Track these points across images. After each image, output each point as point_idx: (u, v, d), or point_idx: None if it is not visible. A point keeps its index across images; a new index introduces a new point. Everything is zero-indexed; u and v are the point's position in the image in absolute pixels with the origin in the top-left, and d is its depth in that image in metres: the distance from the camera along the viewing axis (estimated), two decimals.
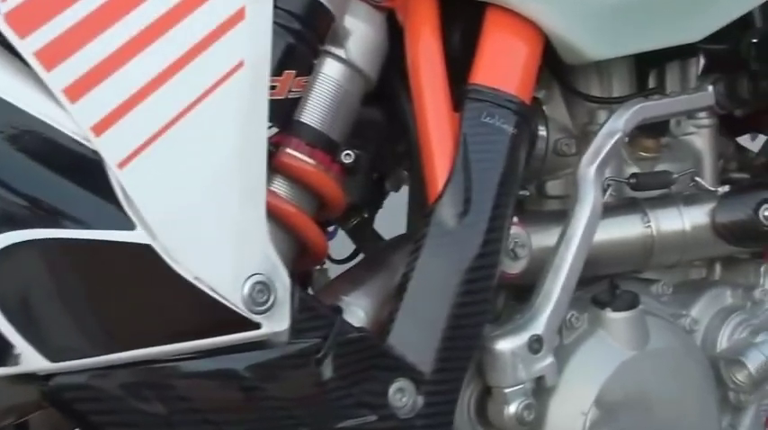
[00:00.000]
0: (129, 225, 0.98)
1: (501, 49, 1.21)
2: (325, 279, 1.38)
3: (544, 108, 1.37)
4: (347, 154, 1.19)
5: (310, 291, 1.34)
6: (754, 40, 1.40)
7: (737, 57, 1.42)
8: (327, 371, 1.07)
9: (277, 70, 1.10)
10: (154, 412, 1.00)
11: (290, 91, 1.12)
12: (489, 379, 1.19)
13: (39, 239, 0.95)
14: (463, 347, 1.15)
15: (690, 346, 1.35)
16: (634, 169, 1.38)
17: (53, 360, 0.95)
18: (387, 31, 1.23)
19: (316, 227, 1.17)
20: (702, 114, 1.44)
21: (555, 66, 1.33)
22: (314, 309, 1.08)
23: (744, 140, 1.62)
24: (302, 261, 1.19)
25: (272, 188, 1.13)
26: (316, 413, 1.07)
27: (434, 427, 1.13)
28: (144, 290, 0.99)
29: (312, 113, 1.16)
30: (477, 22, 1.22)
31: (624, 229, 1.33)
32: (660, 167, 1.40)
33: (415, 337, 1.13)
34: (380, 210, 1.50)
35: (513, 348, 1.18)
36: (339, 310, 1.13)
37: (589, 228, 1.21)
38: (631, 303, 1.26)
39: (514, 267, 1.22)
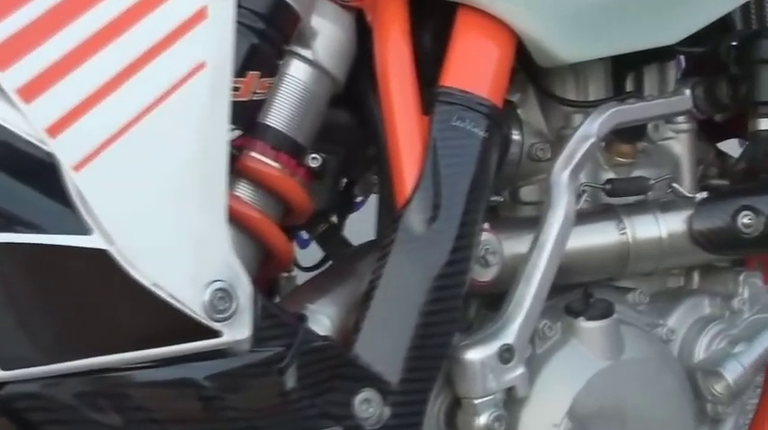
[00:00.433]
0: (84, 229, 0.98)
1: (472, 51, 1.22)
2: (292, 287, 1.38)
3: (518, 112, 1.38)
4: (314, 158, 1.19)
5: (278, 300, 1.34)
6: (734, 43, 1.42)
7: (717, 60, 1.43)
8: (290, 380, 1.07)
9: (240, 71, 1.11)
10: (109, 423, 1.00)
11: (253, 93, 1.13)
12: (459, 389, 1.19)
13: None
14: (432, 357, 1.16)
15: (666, 357, 1.36)
16: (610, 175, 1.39)
17: (5, 368, 0.96)
18: (355, 31, 1.24)
19: (281, 233, 1.17)
20: (681, 119, 1.45)
21: (530, 68, 1.34)
22: (277, 317, 1.08)
23: (731, 146, 1.62)
24: (267, 268, 1.19)
25: (235, 193, 1.14)
26: (278, 424, 1.08)
27: None
28: (100, 296, 0.99)
29: (277, 116, 1.17)
30: (448, 23, 1.23)
31: (599, 236, 1.34)
32: (637, 173, 1.40)
33: (382, 346, 1.14)
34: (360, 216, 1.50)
35: (482, 358, 1.18)
36: (303, 318, 1.14)
37: (562, 234, 1.22)
38: (606, 312, 1.27)
39: (485, 274, 1.23)
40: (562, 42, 1.25)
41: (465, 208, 1.17)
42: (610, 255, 1.34)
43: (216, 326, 1.03)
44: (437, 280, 1.15)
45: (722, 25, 1.47)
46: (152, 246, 1.01)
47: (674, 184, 1.40)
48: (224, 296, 1.03)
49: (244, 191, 1.15)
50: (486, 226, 1.22)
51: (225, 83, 1.06)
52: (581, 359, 1.26)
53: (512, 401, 1.21)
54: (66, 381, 0.98)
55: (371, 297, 1.14)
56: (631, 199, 1.38)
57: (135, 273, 0.99)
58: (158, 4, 1.03)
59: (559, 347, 1.26)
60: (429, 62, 1.23)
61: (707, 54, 1.44)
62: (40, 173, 0.98)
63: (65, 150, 0.98)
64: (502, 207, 1.40)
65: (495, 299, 1.25)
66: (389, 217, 1.18)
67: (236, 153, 1.12)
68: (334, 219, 1.46)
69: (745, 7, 1.49)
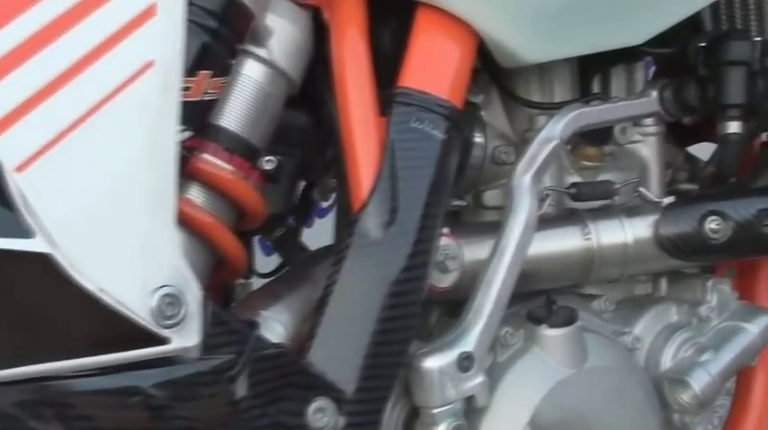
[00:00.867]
0: (27, 232, 0.99)
1: (432, 51, 1.23)
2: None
3: (482, 113, 1.39)
4: (268, 160, 1.20)
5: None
6: (702, 44, 1.43)
7: (686, 61, 1.44)
8: (241, 389, 1.08)
9: (191, 70, 1.11)
10: None
11: (205, 92, 1.13)
12: (416, 398, 1.20)
13: None
14: (388, 365, 1.17)
15: (631, 365, 1.37)
16: (576, 178, 1.40)
17: None
18: (312, 30, 1.25)
19: (233, 237, 1.18)
20: (649, 122, 1.46)
21: (493, 69, 1.35)
22: (227, 324, 1.09)
23: (704, 150, 1.63)
24: (221, 274, 1.20)
25: (187, 196, 1.14)
26: None
27: None
28: (43, 302, 1.00)
29: (230, 117, 1.17)
30: (407, 22, 1.24)
31: (563, 242, 1.35)
32: (604, 177, 1.41)
33: (337, 354, 1.15)
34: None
35: (441, 366, 1.19)
36: (255, 325, 1.14)
37: (523, 239, 1.23)
38: (569, 319, 1.28)
39: (444, 280, 1.24)
40: (524, 42, 1.26)
41: (423, 212, 1.18)
42: (574, 260, 1.35)
43: (164, 332, 1.04)
44: (394, 285, 1.16)
45: (692, 26, 1.49)
46: (97, 250, 1.01)
47: (641, 188, 1.41)
48: (172, 302, 1.04)
49: (195, 194, 1.16)
50: (445, 230, 1.23)
51: (174, 82, 1.07)
52: (543, 367, 1.27)
53: (471, 411, 1.22)
54: (6, 389, 0.98)
55: (326, 303, 1.15)
56: (597, 203, 1.39)
57: (79, 278, 1.00)
58: (105, 1, 1.04)
59: (521, 355, 1.27)
60: (388, 62, 1.23)
61: (675, 55, 1.45)
62: None
63: (6, 151, 0.99)
64: (465, 212, 1.41)
65: (457, 306, 1.26)
66: (346, 221, 1.19)
67: (187, 154, 1.13)
68: (293, 223, 1.47)
69: (714, 8, 1.50)
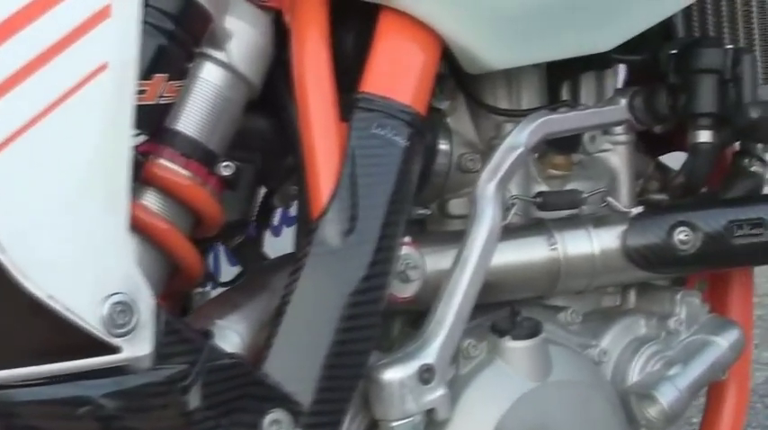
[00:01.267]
0: None
1: (394, 56, 1.24)
2: None
3: (448, 120, 1.40)
4: (226, 165, 1.21)
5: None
6: (673, 51, 1.44)
7: (657, 69, 1.46)
8: (194, 399, 1.09)
9: (146, 73, 1.12)
10: None
11: (160, 96, 1.14)
12: (376, 411, 1.21)
13: None
14: (346, 376, 1.18)
15: (598, 379, 1.38)
16: (543, 187, 1.42)
17: None
18: (272, 33, 1.26)
19: (189, 245, 1.19)
20: (618, 130, 1.48)
21: (460, 75, 1.37)
22: (181, 333, 1.10)
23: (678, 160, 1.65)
24: (176, 282, 1.21)
25: (142, 202, 1.16)
26: None
27: None
28: None
29: (187, 121, 1.19)
30: (370, 26, 1.25)
31: (528, 252, 1.36)
32: (572, 186, 1.43)
33: (294, 365, 1.16)
34: None
35: (401, 378, 1.20)
36: (210, 335, 1.16)
37: (486, 249, 1.24)
38: (533, 331, 1.29)
39: (405, 290, 1.25)
40: (489, 48, 1.27)
41: (384, 220, 1.20)
42: (539, 271, 1.37)
43: (115, 341, 1.05)
44: (353, 295, 1.17)
45: (664, 32, 1.51)
46: (47, 255, 1.02)
47: (609, 198, 1.42)
48: (124, 310, 1.05)
49: (151, 200, 1.17)
50: (407, 239, 1.25)
51: (129, 85, 1.08)
52: (506, 380, 1.28)
53: (432, 424, 1.23)
54: None
55: (283, 312, 1.16)
56: (565, 213, 1.41)
57: (28, 285, 1.01)
58: (58, 2, 1.04)
59: (484, 368, 1.28)
60: (350, 67, 1.25)
61: (646, 62, 1.47)
62: None
63: None
64: (430, 221, 1.43)
65: (420, 317, 1.27)
66: (306, 229, 1.20)
67: (142, 159, 1.14)
68: (252, 231, 1.48)
69: (686, 14, 1.52)
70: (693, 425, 1.58)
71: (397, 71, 1.24)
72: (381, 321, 1.22)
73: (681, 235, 1.40)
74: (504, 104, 1.42)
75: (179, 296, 1.35)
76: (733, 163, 1.56)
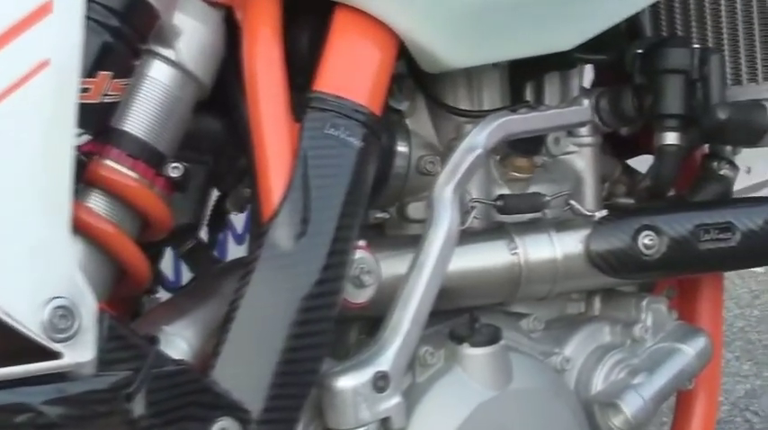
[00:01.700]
0: None
1: (349, 54, 1.25)
2: None
3: (407, 121, 1.42)
4: (174, 167, 1.22)
5: None
6: (640, 51, 1.46)
7: (623, 69, 1.48)
8: (139, 407, 1.10)
9: (90, 71, 1.13)
10: None
11: (105, 94, 1.15)
12: (328, 420, 1.22)
13: None
14: (298, 384, 1.19)
15: (560, 388, 1.40)
16: (505, 190, 1.43)
17: None
18: (223, 30, 1.27)
19: (136, 248, 1.20)
20: (584, 132, 1.50)
21: (419, 75, 1.38)
22: (125, 339, 1.11)
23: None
24: (123, 287, 1.22)
25: (87, 203, 1.17)
26: None
27: None
28: None
29: (134, 121, 1.20)
30: (324, 23, 1.26)
31: (488, 257, 1.38)
32: (534, 189, 1.45)
33: (243, 372, 1.17)
34: None
35: (354, 386, 1.21)
36: (155, 341, 1.17)
37: (443, 253, 1.25)
38: (492, 338, 1.30)
39: (360, 296, 1.26)
40: (446, 46, 1.29)
41: (337, 223, 1.21)
42: (499, 277, 1.38)
43: (55, 346, 1.05)
44: (305, 300, 1.18)
45: (631, 31, 1.53)
46: None
47: (572, 201, 1.43)
48: (65, 314, 1.06)
49: (96, 202, 1.18)
50: (361, 243, 1.26)
51: (71, 83, 1.09)
52: (464, 389, 1.29)
53: None
54: None
55: (232, 318, 1.17)
56: (526, 217, 1.42)
57: None
58: None
59: (441, 376, 1.30)
60: (304, 65, 1.26)
61: (613, 62, 1.49)
62: None
63: None
64: (389, 225, 1.44)
65: (376, 323, 1.28)
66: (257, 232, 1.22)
67: (86, 159, 1.15)
68: (205, 235, 1.49)
69: (654, 13, 1.54)
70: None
71: (351, 70, 1.25)
72: (334, 327, 1.22)
73: (645, 239, 1.41)
74: (464, 105, 1.43)
75: (130, 302, 1.37)
76: (702, 166, 1.58)
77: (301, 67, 1.26)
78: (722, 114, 1.42)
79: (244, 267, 1.19)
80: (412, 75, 1.40)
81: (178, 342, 1.20)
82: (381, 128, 1.27)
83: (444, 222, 1.26)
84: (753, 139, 1.48)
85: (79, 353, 1.07)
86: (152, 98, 1.21)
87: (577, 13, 1.35)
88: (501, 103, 1.45)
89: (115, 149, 1.18)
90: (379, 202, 1.40)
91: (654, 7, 1.53)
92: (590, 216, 1.43)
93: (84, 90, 1.12)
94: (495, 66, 1.43)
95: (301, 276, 1.19)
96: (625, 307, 1.50)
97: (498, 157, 1.44)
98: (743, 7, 1.49)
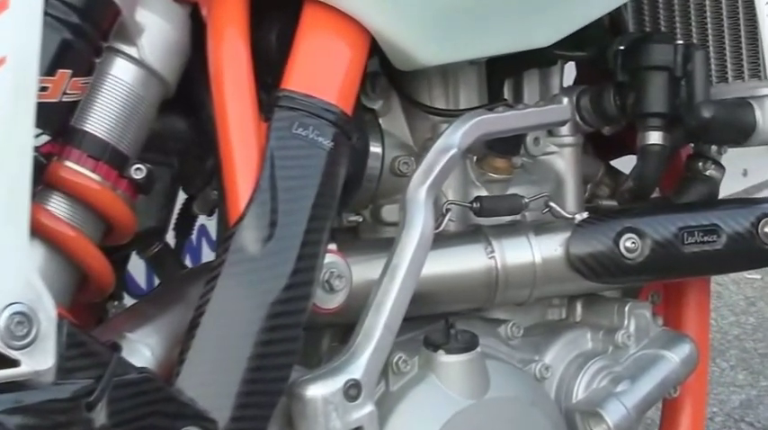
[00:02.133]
0: None
1: (318, 51, 1.26)
2: None
3: (380, 121, 1.43)
4: (137, 168, 1.22)
5: None
6: (622, 47, 1.47)
7: (605, 66, 1.49)
8: (100, 417, 1.11)
9: (50, 69, 1.14)
10: None
11: (64, 93, 1.16)
12: (298, 429, 1.23)
13: None
14: (266, 392, 1.20)
15: (539, 396, 1.41)
16: (482, 192, 1.45)
17: None
18: (189, 27, 1.28)
19: (98, 253, 1.21)
20: (565, 131, 1.51)
21: (393, 73, 1.39)
22: (85, 346, 1.11)
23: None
24: (86, 292, 1.23)
25: (47, 206, 1.18)
26: None
27: None
28: None
29: (95, 121, 1.20)
30: (294, 20, 1.27)
31: (464, 261, 1.39)
32: (513, 191, 1.46)
33: (209, 380, 1.18)
34: None
35: (325, 394, 1.22)
36: (117, 348, 1.17)
37: (417, 257, 1.26)
38: (468, 345, 1.31)
39: (330, 301, 1.27)
40: (418, 43, 1.29)
41: (306, 226, 1.21)
42: (476, 281, 1.39)
43: (13, 354, 1.06)
44: (273, 306, 1.19)
45: (613, 28, 1.54)
46: None
47: (552, 203, 1.45)
48: (22, 321, 1.06)
49: (56, 204, 1.19)
50: (332, 246, 1.27)
51: (30, 81, 1.09)
52: (439, 397, 1.30)
53: None
54: None
55: (197, 325, 1.18)
56: (504, 219, 1.43)
57: None
58: None
59: (416, 384, 1.31)
60: (272, 63, 1.27)
61: (594, 60, 1.50)
62: None
63: None
64: (362, 228, 1.45)
65: (349, 330, 1.29)
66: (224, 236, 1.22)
67: (45, 161, 1.16)
68: (174, 239, 1.50)
69: (637, 8, 1.56)
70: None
71: (320, 67, 1.26)
72: (304, 334, 1.23)
73: (627, 242, 1.42)
74: (440, 104, 1.44)
75: (94, 309, 1.38)
76: (687, 166, 1.59)
77: (269, 65, 1.27)
78: (707, 113, 1.43)
79: (210, 272, 1.20)
80: (386, 73, 1.41)
81: (141, 349, 1.21)
82: (352, 127, 1.27)
83: (418, 225, 1.27)
84: (739, 139, 1.49)
85: (38, 360, 1.08)
86: (114, 97, 1.22)
87: (554, 9, 1.36)
88: (478, 101, 1.46)
89: (76, 150, 1.19)
90: (352, 205, 1.41)
91: (637, 3, 1.55)
92: (570, 218, 1.44)
93: (43, 89, 1.13)
94: (472, 63, 1.44)
95: (269, 281, 1.20)
96: (607, 312, 1.51)
97: (475, 158, 1.45)
98: (728, 2, 1.50)
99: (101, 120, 1.21)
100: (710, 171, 1.57)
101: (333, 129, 1.24)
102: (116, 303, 1.45)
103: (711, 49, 1.51)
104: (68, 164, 1.19)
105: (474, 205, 1.41)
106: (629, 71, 1.46)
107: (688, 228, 1.46)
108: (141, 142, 1.25)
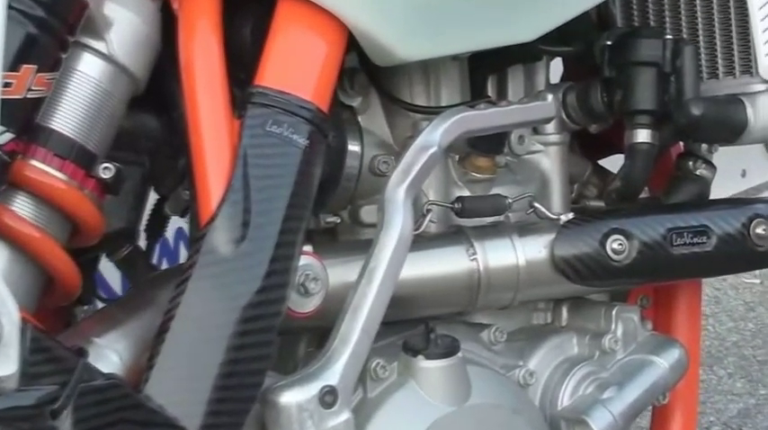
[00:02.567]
0: None
1: (293, 46, 1.26)
2: None
3: (359, 119, 1.44)
4: (106, 168, 1.23)
5: None
6: (609, 42, 1.48)
7: (592, 62, 1.50)
8: (66, 424, 1.11)
9: (13, 64, 1.15)
10: None
11: (29, 89, 1.16)
12: None
13: None
14: (238, 399, 1.20)
15: (523, 403, 1.41)
16: (465, 192, 1.45)
17: None
18: (159, 22, 1.28)
19: (64, 255, 1.21)
20: (550, 129, 1.51)
21: (372, 69, 1.39)
22: (50, 351, 1.12)
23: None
24: (52, 296, 1.23)
25: (11, 207, 1.18)
26: None
27: None
28: None
29: (62, 118, 1.21)
30: (268, 14, 1.27)
31: (445, 263, 1.39)
32: (497, 191, 1.46)
33: (178, 387, 1.18)
34: None
35: (300, 401, 1.22)
36: (84, 353, 1.17)
37: (395, 259, 1.26)
38: (449, 350, 1.32)
39: (305, 305, 1.27)
40: (397, 37, 1.30)
41: (280, 227, 1.22)
42: (457, 284, 1.40)
43: None
44: (245, 310, 1.19)
45: (601, 22, 1.55)
46: None
47: (536, 204, 1.45)
48: None
49: (21, 205, 1.19)
50: (307, 248, 1.27)
51: None
52: (419, 404, 1.31)
53: None
54: None
55: (167, 329, 1.18)
56: (487, 220, 1.44)
57: None
58: None
59: (395, 390, 1.31)
60: (245, 58, 1.27)
61: (581, 55, 1.50)
62: None
63: None
64: (341, 229, 1.46)
65: (326, 335, 1.29)
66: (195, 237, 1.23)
67: (9, 159, 1.16)
68: (145, 240, 1.50)
69: (626, 2, 1.56)
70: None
71: (295, 63, 1.26)
72: (278, 338, 1.24)
73: (614, 244, 1.42)
74: (421, 101, 1.45)
75: (61, 313, 1.38)
76: (677, 165, 1.59)
77: (243, 60, 1.27)
78: (696, 110, 1.43)
79: (180, 274, 1.20)
80: (365, 69, 1.41)
81: (109, 354, 1.21)
82: (329, 125, 1.27)
83: (396, 225, 1.27)
84: (730, 137, 1.49)
85: (1, 366, 1.08)
86: (81, 94, 1.22)
87: (539, 2, 1.36)
88: (460, 98, 1.46)
89: (41, 149, 1.20)
90: (330, 205, 1.41)
91: None
92: (555, 219, 1.44)
93: (7, 85, 1.14)
94: (454, 59, 1.44)
95: (241, 284, 1.20)
96: (594, 316, 1.51)
97: (457, 157, 1.45)
98: None
99: (67, 117, 1.21)
100: (701, 170, 1.57)
101: (308, 127, 1.24)
102: (85, 308, 1.45)
103: (702, 44, 1.51)
104: (33, 162, 1.19)
105: (455, 205, 1.41)
106: (616, 67, 1.46)
107: (677, 229, 1.46)
108: (110, 140, 1.25)
